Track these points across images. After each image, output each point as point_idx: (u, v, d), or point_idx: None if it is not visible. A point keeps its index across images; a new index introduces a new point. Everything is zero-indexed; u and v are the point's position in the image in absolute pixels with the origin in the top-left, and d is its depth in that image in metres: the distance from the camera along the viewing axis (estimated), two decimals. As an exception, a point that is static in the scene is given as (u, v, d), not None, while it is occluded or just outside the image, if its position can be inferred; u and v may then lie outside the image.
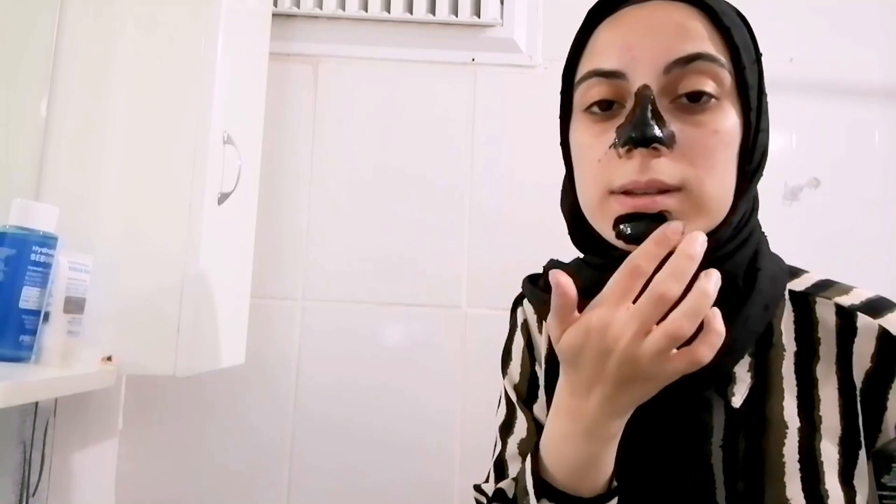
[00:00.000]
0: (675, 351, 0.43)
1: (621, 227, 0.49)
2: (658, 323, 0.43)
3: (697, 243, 0.44)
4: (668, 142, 0.47)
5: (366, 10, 1.25)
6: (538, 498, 0.50)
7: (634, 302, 0.44)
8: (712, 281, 0.43)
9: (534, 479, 0.50)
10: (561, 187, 0.61)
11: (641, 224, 0.48)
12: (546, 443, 0.51)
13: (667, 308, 0.43)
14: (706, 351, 0.42)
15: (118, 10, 0.92)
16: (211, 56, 0.92)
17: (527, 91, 1.27)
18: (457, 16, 1.25)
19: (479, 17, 1.25)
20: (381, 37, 1.27)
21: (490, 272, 1.23)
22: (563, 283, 0.46)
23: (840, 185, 1.28)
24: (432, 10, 1.25)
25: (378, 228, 1.24)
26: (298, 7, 1.24)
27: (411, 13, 1.25)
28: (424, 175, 1.26)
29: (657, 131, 0.47)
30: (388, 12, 1.25)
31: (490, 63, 1.28)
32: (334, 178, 1.25)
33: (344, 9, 1.25)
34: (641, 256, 0.45)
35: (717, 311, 0.43)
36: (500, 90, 1.28)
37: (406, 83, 1.28)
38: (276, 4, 1.24)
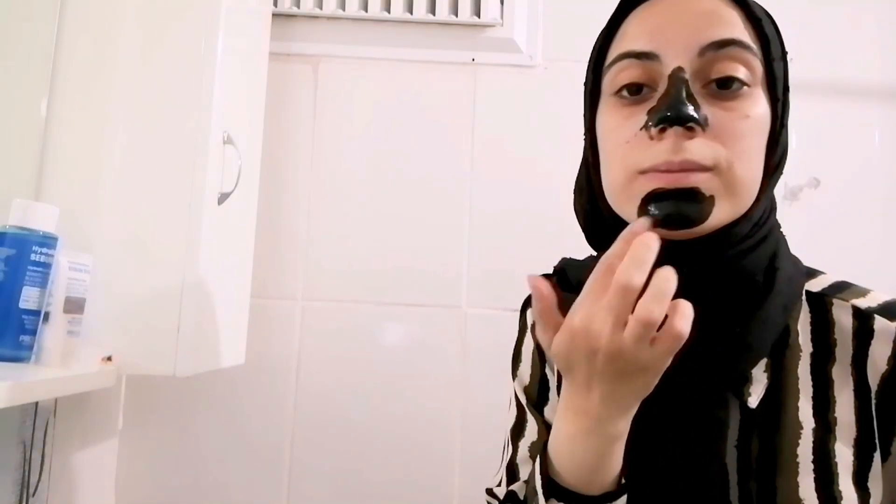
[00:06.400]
0: (655, 335, 0.43)
1: (648, 207, 0.48)
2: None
3: (653, 236, 0.44)
4: (703, 123, 0.47)
5: (366, 10, 1.25)
6: (547, 498, 0.49)
7: None
8: (670, 269, 0.43)
9: (542, 479, 0.50)
10: (575, 185, 0.60)
11: (668, 204, 0.47)
12: (554, 443, 0.51)
13: (634, 297, 0.43)
14: (682, 323, 0.42)
15: (118, 10, 0.92)
16: (211, 56, 0.92)
17: (527, 91, 1.27)
18: (457, 16, 1.25)
19: (479, 17, 1.25)
20: (381, 37, 1.27)
21: (490, 272, 1.23)
22: (539, 287, 0.47)
23: (840, 185, 1.28)
24: (432, 10, 1.25)
25: (378, 228, 1.24)
26: (298, 7, 1.24)
27: (411, 13, 1.25)
28: (424, 175, 1.26)
29: (692, 111, 0.47)
30: (388, 12, 1.24)
31: (490, 63, 1.28)
32: (334, 178, 1.25)
33: (344, 9, 1.25)
34: (614, 255, 0.45)
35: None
36: (500, 90, 1.27)
37: (406, 83, 1.28)
38: (276, 4, 1.24)
